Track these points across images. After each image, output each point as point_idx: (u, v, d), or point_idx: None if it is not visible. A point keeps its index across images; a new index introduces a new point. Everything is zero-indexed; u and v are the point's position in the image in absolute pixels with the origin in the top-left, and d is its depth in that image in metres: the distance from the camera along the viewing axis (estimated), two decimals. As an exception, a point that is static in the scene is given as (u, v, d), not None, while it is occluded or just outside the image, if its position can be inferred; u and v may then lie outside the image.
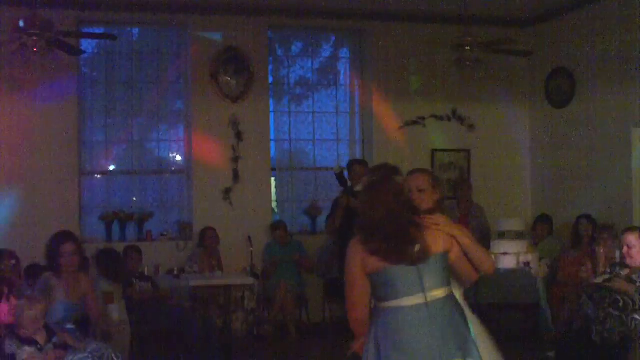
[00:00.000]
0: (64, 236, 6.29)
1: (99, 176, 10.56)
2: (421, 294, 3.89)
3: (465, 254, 4.09)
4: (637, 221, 9.05)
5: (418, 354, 3.85)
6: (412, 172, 4.65)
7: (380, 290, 3.95)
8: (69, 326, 5.95)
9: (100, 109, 10.43)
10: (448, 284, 3.99)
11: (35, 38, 7.87)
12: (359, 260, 3.96)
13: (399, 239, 3.89)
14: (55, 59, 8.83)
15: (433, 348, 3.84)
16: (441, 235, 3.98)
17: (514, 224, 10.17)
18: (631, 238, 6.23)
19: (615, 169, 9.86)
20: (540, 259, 9.43)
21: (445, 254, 4.00)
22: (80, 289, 6.16)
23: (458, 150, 11.33)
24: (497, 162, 11.36)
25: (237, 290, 9.38)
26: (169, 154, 10.95)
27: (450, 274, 4.06)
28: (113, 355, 5.68)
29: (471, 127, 11.28)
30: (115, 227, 10.17)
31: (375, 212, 3.96)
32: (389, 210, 3.94)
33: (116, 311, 7.34)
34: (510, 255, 9.43)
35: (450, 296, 3.99)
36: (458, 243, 4.05)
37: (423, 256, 3.89)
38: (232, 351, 8.55)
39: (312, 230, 10.87)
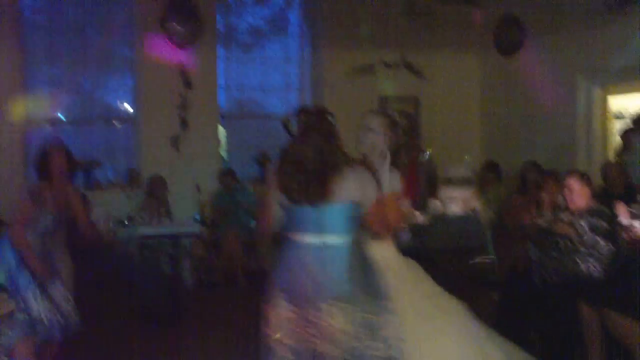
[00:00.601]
0: (53, 144, 6.21)
1: (45, 125, 10.40)
2: (315, 235, 4.02)
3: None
4: (581, 166, 9.18)
5: (296, 288, 4.03)
6: (369, 112, 4.70)
7: (285, 220, 4.12)
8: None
9: (44, 55, 10.23)
10: (350, 233, 4.06)
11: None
12: (274, 188, 4.12)
13: (304, 179, 4.00)
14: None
15: (309, 287, 3.98)
16: (356, 186, 4.04)
17: (462, 171, 10.25)
18: (572, 182, 6.31)
19: (560, 116, 9.97)
20: (487, 205, 9.56)
21: (354, 206, 4.06)
22: (68, 200, 6.04)
23: (407, 98, 11.34)
24: (446, 109, 11.40)
25: (186, 238, 9.37)
26: (116, 102, 10.83)
27: (358, 224, 4.12)
28: (72, 312, 5.71)
29: (420, 74, 11.29)
30: (63, 176, 10.05)
31: (301, 149, 4.06)
32: (316, 148, 4.03)
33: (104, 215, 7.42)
34: (457, 202, 9.54)
35: (353, 244, 4.07)
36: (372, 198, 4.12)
37: (319, 200, 3.99)
38: (182, 298, 8.55)
39: (262, 179, 10.84)
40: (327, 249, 4.02)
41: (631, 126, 9.15)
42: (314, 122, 4.11)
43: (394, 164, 4.47)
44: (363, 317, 3.95)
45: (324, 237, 4.03)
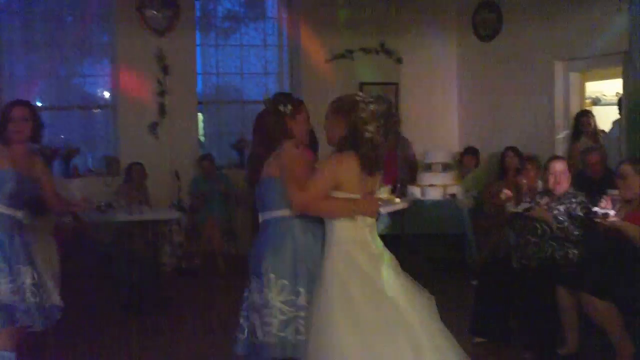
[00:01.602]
0: (17, 101, 5.63)
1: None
2: (260, 213, 4.36)
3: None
4: (558, 152, 9.23)
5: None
6: None
7: None
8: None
9: (19, 41, 10.14)
10: (277, 207, 4.25)
11: None
12: None
13: (251, 161, 4.26)
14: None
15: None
16: (277, 162, 4.26)
17: (441, 157, 10.30)
18: (556, 167, 6.31)
19: (539, 101, 10.01)
20: (467, 190, 9.59)
21: (276, 180, 4.23)
22: (32, 168, 5.32)
23: (386, 84, 11.34)
24: (425, 95, 11.41)
25: (165, 224, 9.34)
26: (94, 89, 10.78)
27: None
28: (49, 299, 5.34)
29: (399, 60, 11.29)
30: (40, 164, 9.98)
31: (254, 135, 4.45)
32: (262, 133, 4.40)
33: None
34: (436, 187, 9.60)
35: (279, 220, 4.24)
36: None
37: (252, 180, 4.37)
38: (161, 285, 8.54)
39: (240, 164, 10.84)
40: (262, 225, 4.32)
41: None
42: (264, 111, 4.34)
43: (354, 145, 4.20)
44: (264, 295, 4.16)
45: (262, 214, 4.34)
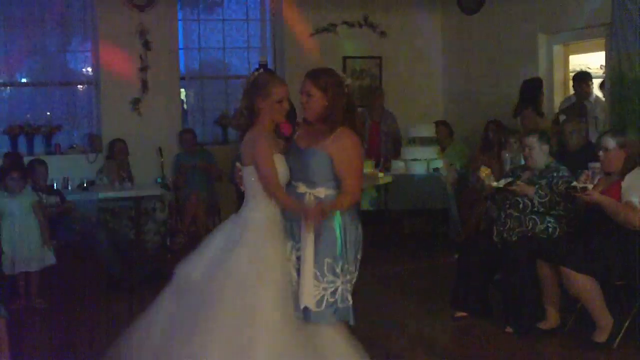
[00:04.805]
0: None
1: (1, 88, 10.26)
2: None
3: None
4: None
5: None
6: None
7: None
8: None
9: (3, 18, 10.03)
10: None
11: None
12: None
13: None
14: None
15: None
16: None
17: (425, 130, 10.25)
18: (532, 140, 6.32)
19: (522, 74, 9.97)
20: (450, 164, 9.58)
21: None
22: None
23: (370, 57, 11.30)
24: (409, 69, 11.38)
25: (148, 201, 9.29)
26: (76, 65, 10.69)
27: None
28: None
29: (383, 34, 11.23)
30: (22, 141, 9.94)
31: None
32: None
33: None
34: (420, 162, 9.56)
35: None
36: None
37: None
38: (146, 262, 8.51)
39: (224, 140, 10.81)
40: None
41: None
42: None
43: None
44: None
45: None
